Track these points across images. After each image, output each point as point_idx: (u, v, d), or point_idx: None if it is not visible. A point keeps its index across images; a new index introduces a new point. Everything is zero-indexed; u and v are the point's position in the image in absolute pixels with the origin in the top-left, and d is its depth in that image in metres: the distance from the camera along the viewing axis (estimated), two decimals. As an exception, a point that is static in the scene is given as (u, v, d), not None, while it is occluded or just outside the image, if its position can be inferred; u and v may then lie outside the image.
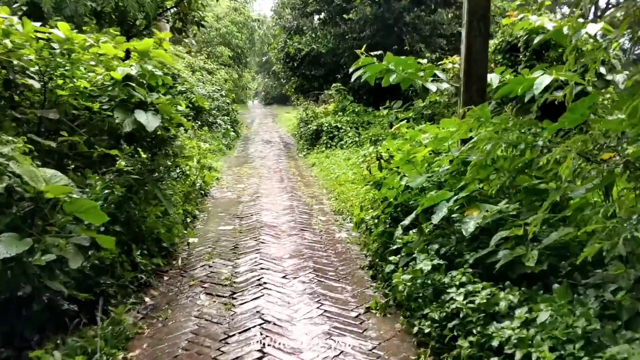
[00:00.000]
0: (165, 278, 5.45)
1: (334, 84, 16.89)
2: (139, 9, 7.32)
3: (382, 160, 7.36)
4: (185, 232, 6.58)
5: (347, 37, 17.10)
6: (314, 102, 22.01)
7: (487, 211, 4.26)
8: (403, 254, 4.73)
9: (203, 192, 9.39)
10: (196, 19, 9.13)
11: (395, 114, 14.05)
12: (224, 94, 18.67)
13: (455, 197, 4.41)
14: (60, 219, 3.84)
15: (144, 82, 5.38)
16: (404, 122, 10.31)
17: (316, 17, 19.77)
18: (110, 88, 5.11)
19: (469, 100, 6.72)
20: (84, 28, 6.37)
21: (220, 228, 7.47)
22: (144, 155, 4.72)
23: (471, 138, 5.24)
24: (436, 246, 4.29)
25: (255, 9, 34.73)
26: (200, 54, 23.01)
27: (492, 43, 13.21)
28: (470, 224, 4.11)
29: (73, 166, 4.45)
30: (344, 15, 16.66)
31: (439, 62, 12.26)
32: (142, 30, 8.74)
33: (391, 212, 5.72)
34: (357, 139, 14.69)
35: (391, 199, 5.82)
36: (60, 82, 4.74)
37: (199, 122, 16.50)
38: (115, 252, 4.53)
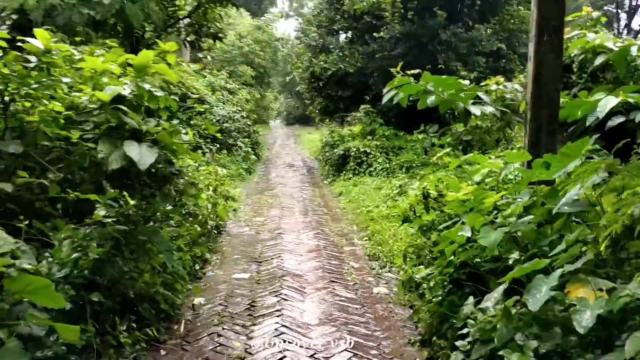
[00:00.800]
0: (162, 353, 4.25)
1: (362, 106, 15.74)
2: (145, 19, 6.32)
3: (429, 199, 6.12)
4: (191, 286, 5.40)
5: (376, 56, 16.00)
6: (339, 124, 20.90)
7: (601, 290, 3.01)
8: (477, 342, 3.47)
9: (218, 228, 8.24)
10: (212, 30, 8.09)
11: (431, 139, 12.82)
12: (245, 115, 17.69)
13: (558, 271, 3.14)
14: (11, 297, 2.73)
15: (141, 104, 4.28)
16: (447, 150, 9.09)
17: (343, 35, 18.76)
18: (96, 112, 4.01)
19: (537, 127, 5.49)
20: (77, 39, 5.34)
21: (235, 276, 6.28)
22: (132, 202, 3.59)
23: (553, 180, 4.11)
24: (534, 343, 3.02)
25: (279, 29, 34.09)
26: (221, 72, 22.20)
27: (541, 62, 11.97)
28: (586, 316, 2.84)
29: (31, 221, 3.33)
30: (374, 34, 15.60)
31: (482, 84, 11.06)
32: (150, 44, 7.75)
33: (451, 273, 4.47)
34: (387, 165, 13.48)
35: (451, 257, 4.56)
36: (27, 104, 3.65)
37: (217, 145, 15.49)
38: (92, 332, 3.38)
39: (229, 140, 16.95)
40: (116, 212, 3.50)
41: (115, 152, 3.75)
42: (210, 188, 11.02)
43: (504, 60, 15.73)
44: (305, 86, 18.71)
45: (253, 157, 17.03)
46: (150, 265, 4.46)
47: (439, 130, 13.25)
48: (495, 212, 4.78)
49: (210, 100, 17.48)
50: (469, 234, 4.42)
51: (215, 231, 7.85)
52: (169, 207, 4.37)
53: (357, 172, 13.72)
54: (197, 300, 5.19)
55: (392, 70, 8.48)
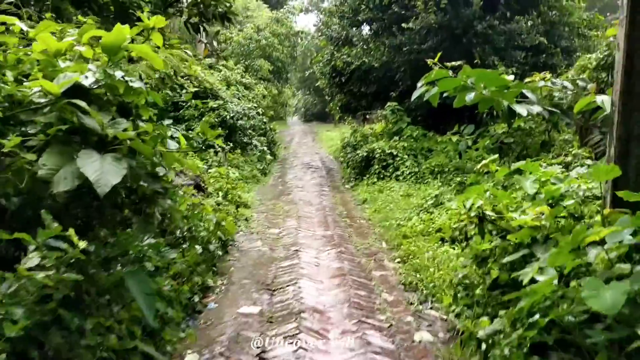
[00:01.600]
0: None
1: (388, 103, 14.48)
2: (138, -6, 5.21)
3: (485, 222, 4.91)
4: (184, 333, 4.24)
5: (404, 49, 14.71)
6: (360, 123, 19.65)
7: None
8: None
9: (225, 244, 7.09)
10: (220, 9, 6.89)
11: (466, 142, 11.53)
12: (260, 112, 16.54)
13: None
14: None
15: (111, 99, 3.12)
16: (493, 156, 7.82)
17: (367, 27, 17.49)
18: (46, 110, 2.86)
19: (627, 134, 4.25)
20: (47, 15, 4.21)
21: (242, 310, 5.12)
22: (81, 244, 2.43)
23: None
24: None
25: (298, 23, 32.90)
26: (237, 67, 21.10)
27: (594, 58, 10.61)
28: None
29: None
30: (403, 24, 14.31)
31: (527, 80, 9.75)
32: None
33: (534, 337, 3.24)
34: (416, 169, 12.22)
35: (529, 311, 3.33)
36: None
37: (231, 144, 14.39)
38: None
39: (244, 139, 15.84)
40: (57, 260, 2.36)
41: (66, 167, 2.60)
42: (220, 193, 9.93)
43: (544, 55, 14.33)
44: (325, 81, 17.49)
45: (269, 157, 15.88)
46: (128, 313, 3.33)
47: (474, 131, 11.94)
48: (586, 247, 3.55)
49: (224, 95, 16.37)
50: (555, 282, 3.22)
51: (221, 251, 6.69)
52: (149, 241, 3.19)
53: (382, 176, 12.48)
54: (190, 358, 4.02)
55: (429, 61, 7.30)
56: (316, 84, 50.24)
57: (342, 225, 8.90)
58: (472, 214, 4.88)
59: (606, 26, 15.19)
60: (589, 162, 8.07)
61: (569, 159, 8.26)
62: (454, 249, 6.64)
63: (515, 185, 7.27)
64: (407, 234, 7.60)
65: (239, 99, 17.19)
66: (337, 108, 19.06)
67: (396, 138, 13.37)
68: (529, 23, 13.59)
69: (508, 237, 4.43)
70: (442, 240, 7.01)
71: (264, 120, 16.78)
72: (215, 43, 19.57)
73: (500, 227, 4.82)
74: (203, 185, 9.73)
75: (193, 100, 15.23)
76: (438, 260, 6.11)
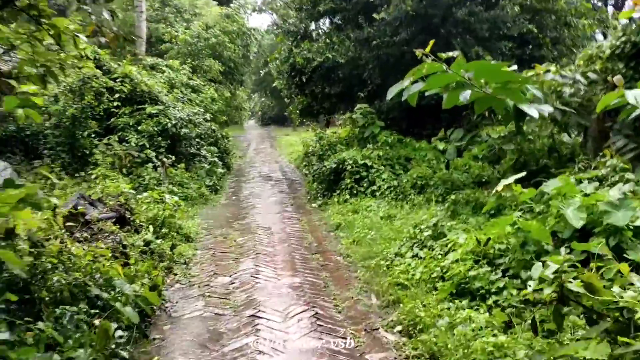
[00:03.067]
0: None
1: (358, 105, 12.49)
2: None
3: (568, 298, 2.91)
4: None
5: (372, 43, 12.79)
6: (324, 126, 17.60)
7: None
8: None
9: (147, 317, 4.87)
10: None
11: (455, 148, 9.65)
12: (209, 117, 14.23)
13: None
14: None
15: None
16: (518, 175, 5.89)
17: (327, 20, 15.48)
18: None
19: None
20: None
21: None
22: None
23: None
24: None
25: (251, 22, 30.59)
26: (182, 67, 18.70)
27: (607, 46, 8.88)
28: None
29: None
30: (373, 15, 12.36)
31: (530, 73, 7.95)
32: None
33: None
34: (394, 182, 10.27)
35: None
36: None
37: (173, 157, 12.07)
38: None
39: (189, 149, 13.53)
40: None
41: None
42: (153, 227, 7.67)
43: (530, 47, 12.70)
44: (283, 82, 15.36)
45: (220, 170, 13.61)
46: None
47: (465, 136, 10.08)
48: None
49: (165, 99, 14.00)
50: None
51: (137, 331, 4.45)
52: None
53: (355, 191, 10.46)
54: None
55: (418, 52, 5.24)
56: (273, 86, 48.24)
57: (314, 267, 6.80)
58: (547, 290, 2.88)
59: (595, 15, 13.70)
60: (630, 175, 6.28)
61: (603, 171, 6.44)
62: (477, 309, 4.67)
63: (548, 211, 5.38)
64: (403, 282, 5.57)
65: (183, 103, 14.84)
66: (297, 111, 16.98)
67: (369, 146, 11.36)
68: (516, 9, 11.86)
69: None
70: (456, 293, 5.04)
71: (213, 127, 14.46)
72: (109, 18, 17.15)
73: (595, 310, 2.85)
74: (129, 216, 7.45)
75: (123, 107, 12.86)
76: (461, 335, 4.11)
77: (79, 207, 6.39)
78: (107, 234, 6.37)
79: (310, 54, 13.48)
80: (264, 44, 42.18)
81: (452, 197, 7.79)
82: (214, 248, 7.79)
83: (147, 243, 6.89)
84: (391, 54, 12.97)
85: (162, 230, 7.94)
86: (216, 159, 14.47)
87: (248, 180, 15.10)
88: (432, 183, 9.86)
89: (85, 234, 5.79)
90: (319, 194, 11.26)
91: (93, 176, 11.15)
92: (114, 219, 6.98)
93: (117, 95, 12.98)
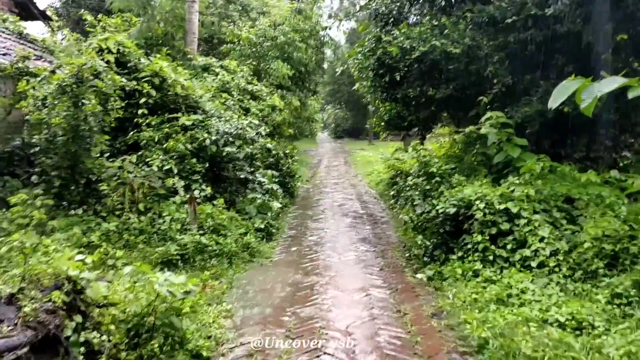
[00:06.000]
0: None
1: (488, 115, 8.17)
2: None
3: None
4: None
5: (500, 25, 8.61)
6: (420, 141, 13.35)
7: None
8: None
9: None
10: None
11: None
12: (263, 132, 10.40)
13: None
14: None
15: None
16: None
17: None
18: None
19: None
20: None
21: None
22: None
23: None
24: None
25: (325, 19, 26.80)
26: (240, 68, 15.23)
27: None
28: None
29: None
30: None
31: None
32: None
33: None
34: (562, 244, 5.98)
35: None
36: None
37: (208, 188, 8.43)
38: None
39: (239, 174, 9.82)
40: None
41: None
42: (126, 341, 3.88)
43: None
44: (367, 83, 11.34)
45: (276, 204, 9.74)
46: None
47: None
48: None
49: (209, 106, 10.43)
50: None
51: None
52: None
53: (490, 256, 6.23)
54: None
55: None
56: (347, 96, 44.49)
57: None
58: None
59: None
60: None
61: None
62: None
63: None
64: None
65: (233, 112, 11.19)
66: (382, 123, 12.90)
67: (511, 179, 7.06)
68: None
69: None
70: None
71: (269, 145, 10.59)
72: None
73: None
74: (87, 311, 3.72)
75: (150, 117, 9.39)
76: None
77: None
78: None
79: (409, 42, 9.39)
80: (338, 52, 38.60)
81: None
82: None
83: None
84: (531, 39, 8.67)
85: (147, 347, 4.15)
86: (274, 187, 10.68)
87: (316, 215, 11.16)
88: (631, 252, 5.49)
89: None
90: (426, 255, 7.07)
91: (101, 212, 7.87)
92: (23, 348, 3.26)
93: (143, 100, 9.57)
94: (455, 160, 9.52)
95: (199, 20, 16.09)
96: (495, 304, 5.27)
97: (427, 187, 7.69)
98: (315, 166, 23.39)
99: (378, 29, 10.88)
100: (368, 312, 5.46)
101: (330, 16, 34.79)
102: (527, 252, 6.07)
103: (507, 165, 7.90)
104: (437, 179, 7.64)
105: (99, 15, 15.02)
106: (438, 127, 13.98)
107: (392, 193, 11.93)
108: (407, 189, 8.72)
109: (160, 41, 15.76)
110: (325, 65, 33.27)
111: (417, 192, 7.91)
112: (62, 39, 18.76)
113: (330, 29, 25.33)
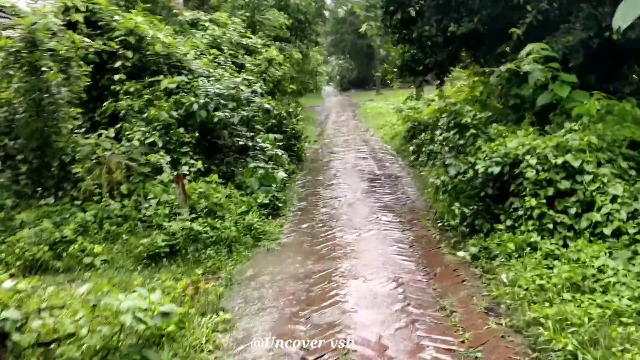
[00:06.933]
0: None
1: (530, 46, 6.66)
2: None
3: None
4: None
5: None
6: (437, 87, 11.86)
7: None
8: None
9: None
10: None
11: None
12: (259, 90, 8.97)
13: None
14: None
15: None
16: None
17: None
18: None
19: None
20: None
21: None
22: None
23: None
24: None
25: None
26: (231, 19, 13.71)
27: None
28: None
29: None
30: None
31: None
32: None
33: None
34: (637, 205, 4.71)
35: None
36: None
37: (198, 162, 7.22)
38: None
39: (237, 141, 8.56)
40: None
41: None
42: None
43: None
44: (377, 22, 9.82)
45: (281, 174, 8.47)
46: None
47: None
48: None
49: (196, 65, 9.08)
50: None
51: None
52: None
53: (546, 224, 4.98)
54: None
55: None
56: (351, 46, 42.29)
57: None
58: None
59: None
60: None
61: None
62: None
63: None
64: None
65: (224, 69, 9.80)
66: (395, 69, 11.42)
67: (567, 125, 5.71)
68: None
69: None
70: None
71: (267, 105, 9.16)
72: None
73: None
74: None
75: (128, 83, 8.10)
76: None
77: None
78: None
79: (424, -32, 7.86)
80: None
81: None
82: None
83: None
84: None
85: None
86: (278, 152, 9.41)
87: (328, 180, 9.92)
88: None
89: None
90: (464, 224, 5.82)
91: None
92: None
93: (119, 64, 8.24)
94: (479, 107, 8.12)
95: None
96: (569, 292, 4.05)
97: (460, 141, 6.37)
98: (322, 123, 22.01)
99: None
100: (404, 312, 4.27)
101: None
102: (597, 217, 4.80)
103: (550, 108, 6.51)
104: (473, 131, 6.29)
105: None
106: (455, 70, 12.47)
107: (411, 148, 10.61)
108: (436, 144, 7.36)
109: (143, -2, 14.20)
110: (327, 14, 31.23)
111: (447, 149, 6.59)
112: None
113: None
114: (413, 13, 8.33)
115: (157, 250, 5.79)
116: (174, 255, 5.84)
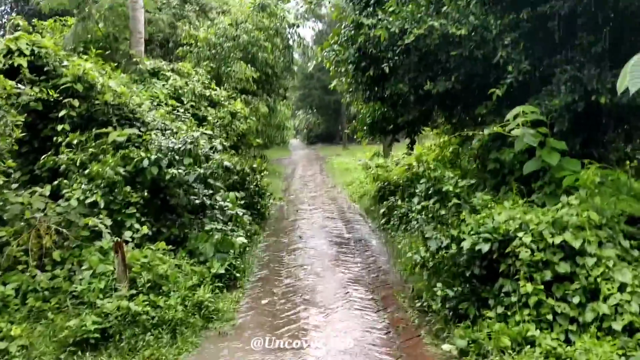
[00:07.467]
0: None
1: (518, 109, 6.13)
2: None
3: None
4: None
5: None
6: (408, 145, 11.36)
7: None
8: None
9: None
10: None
11: None
12: (219, 147, 8.17)
13: None
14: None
15: None
16: None
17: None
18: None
19: None
20: None
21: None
22: None
23: None
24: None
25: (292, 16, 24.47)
26: (195, 70, 13.13)
27: None
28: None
29: None
30: None
31: None
32: None
33: None
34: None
35: None
36: None
37: (143, 226, 6.34)
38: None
39: (193, 200, 7.72)
40: None
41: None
42: None
43: None
44: (346, 78, 9.34)
45: (240, 239, 7.60)
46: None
47: None
48: None
49: (151, 117, 8.32)
50: None
51: None
52: None
53: (544, 315, 4.28)
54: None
55: None
56: (319, 101, 42.42)
57: None
58: None
59: None
60: None
61: None
62: None
63: None
64: None
65: (182, 122, 9.06)
66: (365, 127, 10.91)
67: (564, 198, 5.13)
68: None
69: None
70: None
71: (225, 163, 8.33)
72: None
73: None
74: None
75: (72, 133, 7.26)
76: None
77: None
78: None
79: (399, 24, 7.43)
80: (308, 52, 36.49)
81: None
82: None
83: None
84: (551, 13, 6.83)
85: None
86: (239, 211, 8.57)
87: (292, 243, 9.10)
88: None
89: None
90: (448, 309, 5.05)
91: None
92: None
93: (63, 113, 7.41)
94: (459, 172, 7.58)
95: (145, 19, 13.91)
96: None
97: (442, 211, 5.71)
98: (289, 177, 21.34)
99: (357, 12, 8.90)
100: None
101: (297, 17, 32.52)
102: (604, 308, 4.14)
103: (533, 175, 5.97)
104: (455, 200, 5.65)
105: (34, 20, 12.83)
106: (427, 130, 12.08)
107: (381, 211, 9.95)
108: (413, 212, 6.67)
109: (101, 44, 13.53)
110: (295, 69, 31.14)
111: (425, 218, 5.92)
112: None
113: (298, 26, 23.09)
114: (386, 70, 7.88)
115: (85, 335, 4.82)
116: (106, 341, 4.88)
